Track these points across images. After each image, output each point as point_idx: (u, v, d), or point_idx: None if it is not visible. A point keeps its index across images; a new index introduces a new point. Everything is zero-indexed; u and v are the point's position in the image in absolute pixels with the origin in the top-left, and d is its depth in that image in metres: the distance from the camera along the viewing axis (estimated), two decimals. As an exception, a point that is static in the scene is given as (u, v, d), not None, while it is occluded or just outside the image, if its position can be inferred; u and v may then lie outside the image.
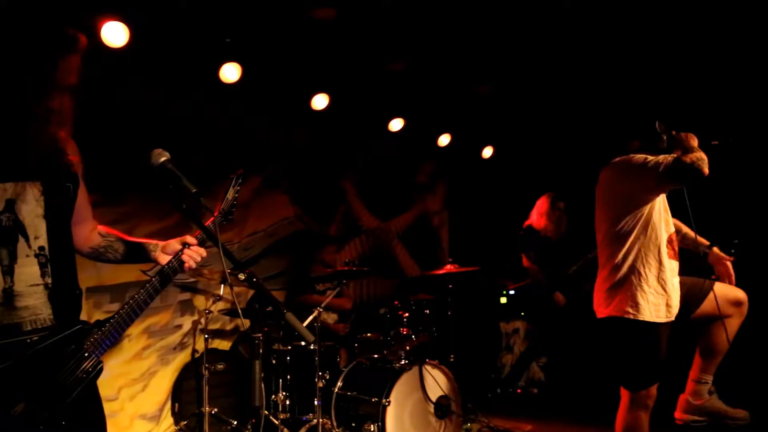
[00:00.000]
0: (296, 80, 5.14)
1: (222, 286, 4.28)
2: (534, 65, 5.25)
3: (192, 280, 4.58)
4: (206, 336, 4.29)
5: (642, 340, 2.99)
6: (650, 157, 2.97)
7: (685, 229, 3.39)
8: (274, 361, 4.43)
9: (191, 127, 4.76)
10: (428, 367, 4.35)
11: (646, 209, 3.02)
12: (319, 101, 5.36)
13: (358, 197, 6.32)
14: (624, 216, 3.03)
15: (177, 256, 2.11)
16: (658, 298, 2.99)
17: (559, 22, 4.53)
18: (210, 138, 4.89)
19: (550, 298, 5.48)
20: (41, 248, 1.85)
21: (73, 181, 1.97)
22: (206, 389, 4.18)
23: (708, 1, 4.16)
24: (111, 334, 1.94)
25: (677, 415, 3.36)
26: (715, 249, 3.39)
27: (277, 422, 4.25)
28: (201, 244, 2.16)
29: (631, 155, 3.07)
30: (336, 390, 4.34)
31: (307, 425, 4.24)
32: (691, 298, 3.13)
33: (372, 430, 4.04)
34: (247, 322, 4.49)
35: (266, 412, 4.31)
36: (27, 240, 1.83)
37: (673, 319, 3.03)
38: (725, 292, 3.20)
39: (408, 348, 4.50)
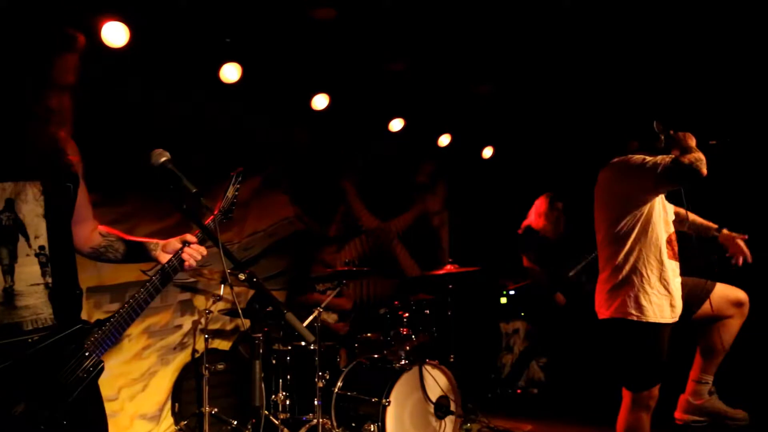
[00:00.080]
0: (296, 80, 5.14)
1: (222, 286, 4.29)
2: (534, 65, 5.25)
3: (192, 280, 4.58)
4: (206, 336, 4.29)
5: (645, 341, 2.99)
6: (648, 158, 2.97)
7: (692, 216, 3.37)
8: (274, 361, 4.43)
9: (191, 127, 4.76)
10: (428, 367, 4.35)
11: (646, 209, 3.01)
12: (319, 101, 5.36)
13: (358, 197, 6.32)
14: (623, 217, 3.03)
15: (177, 254, 2.10)
16: (662, 299, 2.98)
17: (559, 22, 4.53)
18: (210, 138, 4.89)
19: (550, 298, 5.48)
20: (41, 248, 1.85)
21: (74, 181, 1.97)
22: (206, 389, 4.18)
23: (707, 1, 4.16)
24: (111, 334, 1.94)
25: (677, 415, 3.36)
26: (725, 230, 3.37)
27: (277, 422, 4.25)
28: (201, 243, 2.16)
29: (630, 156, 3.07)
30: (336, 390, 4.34)
31: (307, 425, 4.24)
32: (692, 298, 3.13)
33: (372, 430, 4.04)
34: (247, 322, 4.48)
35: (266, 412, 4.31)
36: (27, 239, 1.83)
37: (677, 319, 3.03)
38: (726, 292, 3.20)
39: (408, 348, 4.50)
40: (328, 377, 4.34)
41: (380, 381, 4.16)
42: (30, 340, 1.80)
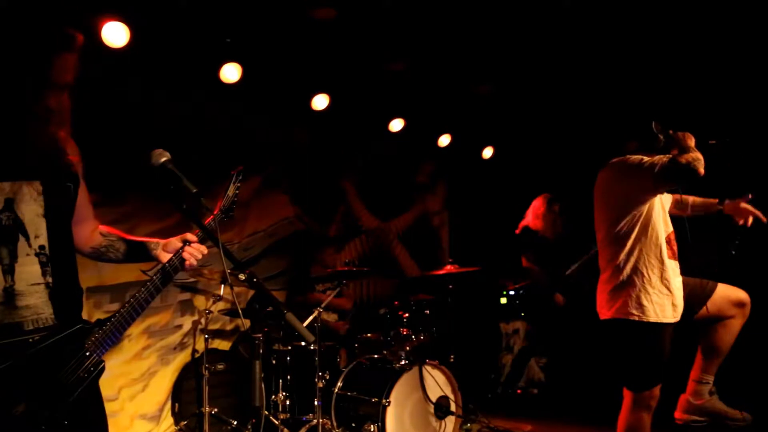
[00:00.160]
0: (296, 80, 5.14)
1: (222, 286, 4.29)
2: (534, 65, 5.25)
3: (192, 280, 4.58)
4: (206, 336, 4.29)
5: (646, 341, 2.99)
6: (646, 158, 2.97)
7: (691, 198, 3.36)
8: (274, 362, 4.43)
9: (191, 127, 4.76)
10: (428, 368, 4.35)
11: (645, 209, 3.02)
12: (319, 101, 5.36)
13: (358, 197, 6.32)
14: (623, 217, 3.03)
15: (178, 253, 2.10)
16: (663, 299, 2.98)
17: (559, 22, 4.53)
18: (210, 138, 4.89)
19: (550, 298, 5.48)
20: (42, 247, 1.85)
21: (74, 181, 1.97)
22: (206, 389, 4.18)
23: (706, 1, 4.16)
24: (112, 334, 1.94)
25: (677, 414, 3.36)
26: (727, 201, 3.33)
27: (277, 422, 4.25)
28: (202, 242, 2.15)
29: (628, 156, 3.07)
30: (336, 390, 4.34)
31: (307, 425, 4.24)
32: (694, 299, 3.13)
33: (372, 430, 4.04)
34: (247, 322, 4.48)
35: (266, 412, 4.31)
36: (27, 239, 1.83)
37: (678, 319, 3.03)
38: (728, 293, 3.19)
39: (408, 348, 4.50)
40: (328, 377, 4.34)
41: (380, 381, 4.16)
42: (30, 340, 1.80)
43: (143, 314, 2.04)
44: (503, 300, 6.23)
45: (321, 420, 4.18)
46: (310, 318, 4.26)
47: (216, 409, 4.24)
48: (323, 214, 5.96)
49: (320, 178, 5.94)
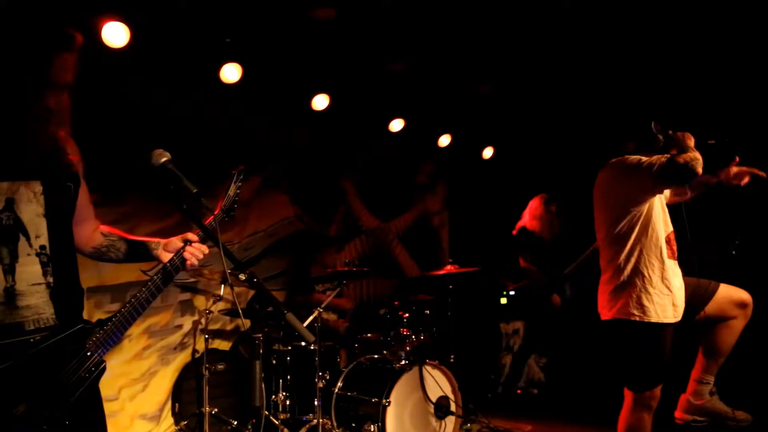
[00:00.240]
0: (296, 80, 5.14)
1: (222, 286, 4.29)
2: (534, 65, 5.25)
3: (192, 280, 4.58)
4: (206, 336, 4.29)
5: (647, 341, 2.99)
6: (644, 158, 2.98)
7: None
8: (274, 362, 4.43)
9: (191, 127, 4.76)
10: (428, 368, 4.35)
11: (644, 209, 3.02)
12: (319, 101, 5.36)
13: (358, 197, 6.32)
14: (623, 217, 3.04)
15: (179, 253, 2.10)
16: (664, 299, 2.99)
17: (559, 22, 4.53)
18: (210, 138, 4.88)
19: (548, 298, 5.49)
20: (42, 247, 1.85)
21: (74, 181, 1.97)
22: (206, 389, 4.18)
23: (706, 1, 4.16)
24: (113, 334, 1.94)
25: (678, 414, 3.36)
26: (719, 171, 3.29)
27: (277, 422, 4.25)
28: (202, 242, 2.15)
29: (627, 156, 3.08)
30: (336, 390, 4.34)
31: (307, 425, 4.24)
32: (695, 299, 3.13)
33: (372, 430, 4.04)
34: (247, 323, 4.48)
35: (266, 412, 4.31)
36: (28, 239, 1.83)
37: (679, 319, 3.03)
38: (730, 293, 3.19)
39: (408, 348, 4.50)
40: (328, 377, 4.34)
41: (380, 381, 4.16)
42: (31, 340, 1.80)
43: (144, 314, 2.04)
44: (503, 300, 6.24)
45: (321, 420, 4.18)
46: (310, 318, 4.26)
47: (216, 409, 4.23)
48: (323, 214, 5.96)
49: (320, 178, 5.93)
